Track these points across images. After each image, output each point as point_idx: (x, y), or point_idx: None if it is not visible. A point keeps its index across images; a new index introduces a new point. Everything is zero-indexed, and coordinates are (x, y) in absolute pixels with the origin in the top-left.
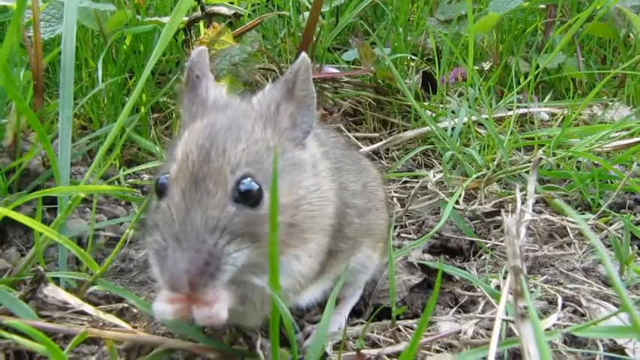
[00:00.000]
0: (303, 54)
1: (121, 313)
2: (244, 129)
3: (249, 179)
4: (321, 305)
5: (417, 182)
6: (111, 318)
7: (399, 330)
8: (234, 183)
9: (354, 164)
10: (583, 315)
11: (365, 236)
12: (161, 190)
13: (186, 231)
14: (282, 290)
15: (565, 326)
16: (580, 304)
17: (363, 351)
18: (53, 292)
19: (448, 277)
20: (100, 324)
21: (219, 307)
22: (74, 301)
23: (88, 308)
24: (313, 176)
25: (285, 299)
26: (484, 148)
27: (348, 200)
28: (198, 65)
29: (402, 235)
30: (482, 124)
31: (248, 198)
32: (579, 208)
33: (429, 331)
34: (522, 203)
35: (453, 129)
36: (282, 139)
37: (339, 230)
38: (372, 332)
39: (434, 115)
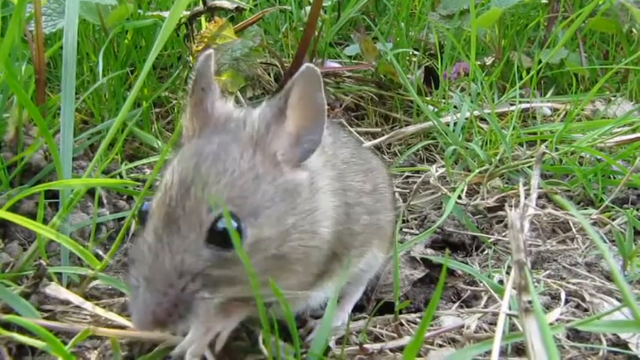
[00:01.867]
0: (306, 65)
1: (123, 307)
2: (231, 157)
3: (226, 219)
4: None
5: (419, 177)
6: (113, 316)
7: (401, 324)
8: (210, 223)
9: (365, 164)
10: (586, 310)
11: (374, 237)
12: (143, 219)
13: (156, 274)
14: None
15: (568, 321)
16: (583, 299)
17: (365, 345)
18: (55, 292)
19: (450, 272)
20: (103, 319)
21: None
22: (75, 299)
23: (89, 306)
24: (310, 198)
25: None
26: (486, 143)
27: (353, 200)
28: (205, 77)
29: (405, 230)
30: (484, 119)
31: (227, 238)
32: (582, 203)
33: (431, 325)
34: (526, 197)
35: (455, 124)
36: (274, 164)
37: (346, 234)
38: (375, 327)
39: (436, 110)
